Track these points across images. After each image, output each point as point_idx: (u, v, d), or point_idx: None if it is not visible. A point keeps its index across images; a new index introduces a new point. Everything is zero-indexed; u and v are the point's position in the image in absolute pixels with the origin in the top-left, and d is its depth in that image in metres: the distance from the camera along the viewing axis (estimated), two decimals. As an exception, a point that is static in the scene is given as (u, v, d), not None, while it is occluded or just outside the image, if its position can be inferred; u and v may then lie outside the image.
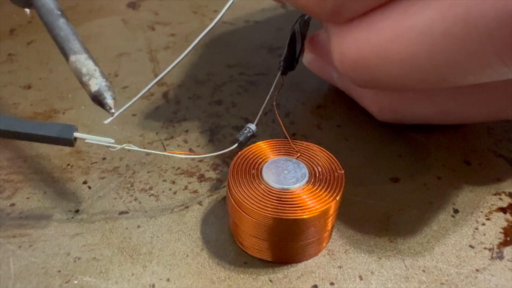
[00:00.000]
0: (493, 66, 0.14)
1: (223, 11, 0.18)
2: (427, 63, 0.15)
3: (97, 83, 0.18)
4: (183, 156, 0.18)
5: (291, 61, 0.23)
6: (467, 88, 0.20)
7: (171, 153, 0.20)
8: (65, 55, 0.19)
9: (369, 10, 0.16)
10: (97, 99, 0.18)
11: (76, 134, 0.17)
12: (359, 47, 0.16)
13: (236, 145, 0.20)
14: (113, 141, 0.18)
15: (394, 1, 0.15)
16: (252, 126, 0.21)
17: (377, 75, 0.17)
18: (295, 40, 0.23)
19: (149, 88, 0.19)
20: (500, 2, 0.12)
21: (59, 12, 0.19)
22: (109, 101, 0.18)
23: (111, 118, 0.18)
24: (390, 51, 0.15)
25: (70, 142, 0.17)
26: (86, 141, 0.17)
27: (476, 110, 0.20)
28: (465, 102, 0.20)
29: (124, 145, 0.18)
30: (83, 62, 0.18)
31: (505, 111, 0.20)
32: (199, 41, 0.18)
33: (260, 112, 0.22)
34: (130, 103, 0.18)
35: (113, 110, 0.18)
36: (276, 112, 0.22)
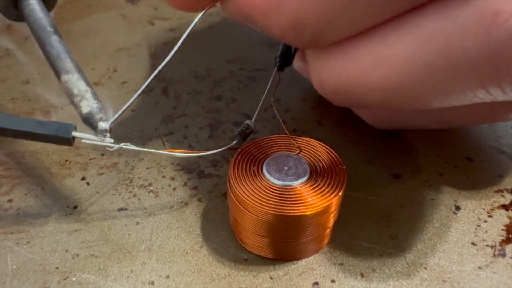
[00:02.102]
0: (477, 94, 0.14)
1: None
2: (409, 90, 0.15)
3: (88, 104, 0.17)
4: (181, 155, 0.18)
5: (287, 57, 0.23)
6: None
7: (169, 151, 0.19)
8: (57, 74, 0.18)
9: (347, 38, 0.15)
10: (88, 121, 0.17)
11: (74, 133, 0.17)
12: (338, 74, 0.16)
13: (234, 142, 0.20)
14: (112, 141, 0.17)
15: (370, 30, 0.15)
16: (251, 123, 0.21)
17: (358, 99, 0.16)
18: None
19: (143, 89, 0.18)
20: (480, 39, 0.12)
21: (52, 29, 0.19)
22: (100, 124, 0.17)
23: (108, 141, 0.17)
24: (370, 79, 0.15)
25: (68, 141, 0.17)
26: (82, 141, 0.17)
27: (472, 116, 0.20)
28: (461, 111, 0.20)
29: (122, 144, 0.17)
30: (74, 82, 0.18)
31: (501, 115, 0.19)
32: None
33: (258, 109, 0.21)
34: (126, 105, 0.18)
35: (105, 134, 0.17)
36: (274, 108, 0.22)
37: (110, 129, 0.17)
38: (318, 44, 0.16)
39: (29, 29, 0.20)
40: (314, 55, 0.17)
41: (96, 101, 0.17)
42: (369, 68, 0.15)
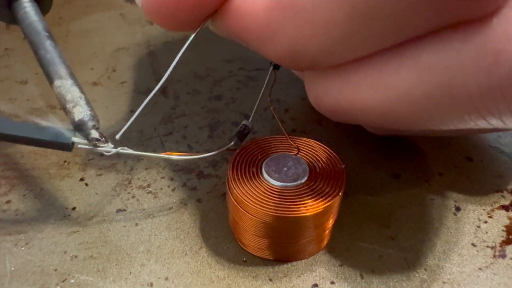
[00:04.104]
0: (477, 123, 0.14)
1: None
2: (406, 116, 0.14)
3: (81, 111, 0.17)
4: (178, 157, 0.18)
5: None
6: None
7: (167, 154, 0.19)
8: (49, 79, 0.18)
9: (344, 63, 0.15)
10: (80, 128, 0.17)
11: (74, 139, 0.17)
12: (335, 96, 0.16)
13: (232, 143, 0.20)
14: (112, 146, 0.17)
15: (369, 56, 0.14)
16: (248, 123, 0.20)
17: (356, 120, 0.16)
18: None
19: (150, 97, 0.18)
20: (481, 76, 0.12)
21: (46, 33, 0.19)
22: (92, 132, 0.17)
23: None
24: (368, 103, 0.15)
25: (68, 146, 0.17)
26: (79, 146, 0.17)
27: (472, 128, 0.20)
28: None
29: (119, 148, 0.17)
30: (68, 88, 0.17)
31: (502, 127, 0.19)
32: (197, 35, 0.18)
33: (255, 109, 0.21)
34: (131, 119, 0.18)
35: (96, 142, 0.17)
36: (271, 107, 0.22)
37: (104, 137, 0.17)
38: (315, 68, 0.16)
39: (23, 32, 0.19)
40: (311, 75, 0.17)
41: (89, 108, 0.17)
42: (366, 93, 0.15)
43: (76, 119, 0.17)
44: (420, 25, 0.12)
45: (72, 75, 0.18)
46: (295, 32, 0.14)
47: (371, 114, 0.15)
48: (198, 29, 0.17)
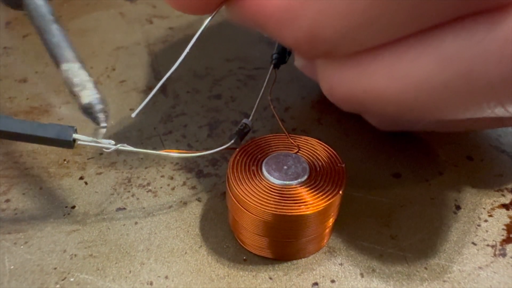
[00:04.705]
0: (495, 111, 0.13)
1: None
2: (423, 105, 0.14)
3: (89, 94, 0.17)
4: (178, 155, 0.18)
5: (283, 54, 0.23)
6: None
7: (167, 152, 0.19)
8: (56, 62, 0.18)
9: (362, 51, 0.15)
10: (88, 112, 0.17)
11: (75, 136, 0.17)
12: (350, 85, 0.16)
13: (232, 141, 0.20)
14: (113, 142, 0.17)
15: (388, 44, 0.14)
16: (248, 122, 0.20)
17: (370, 109, 0.16)
18: None
19: (153, 94, 0.18)
20: (503, 64, 0.12)
21: (52, 17, 0.19)
22: (100, 115, 0.17)
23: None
24: (384, 93, 0.15)
25: (69, 143, 0.17)
26: (79, 142, 0.17)
27: (480, 122, 0.20)
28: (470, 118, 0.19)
29: (119, 145, 0.17)
30: (75, 71, 0.17)
31: (510, 121, 0.19)
32: (196, 33, 0.18)
33: (255, 107, 0.21)
34: (139, 107, 0.17)
35: (104, 124, 0.17)
36: (271, 106, 0.22)
37: (107, 118, 0.17)
38: (331, 55, 0.15)
39: (29, 17, 0.19)
40: (325, 64, 0.16)
41: (97, 91, 0.17)
42: (383, 82, 0.14)
43: (84, 102, 0.17)
44: (445, 11, 0.12)
45: (79, 59, 0.18)
46: (316, 16, 0.14)
47: (386, 103, 0.15)
48: (214, 12, 0.17)
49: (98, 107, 0.17)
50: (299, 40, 0.15)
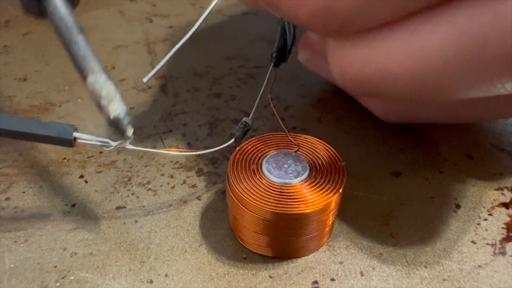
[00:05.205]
0: (506, 86, 0.13)
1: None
2: (436, 82, 0.14)
3: (117, 107, 0.17)
4: (178, 153, 0.18)
5: (283, 52, 0.23)
6: None
7: (166, 150, 0.19)
8: (83, 75, 0.18)
9: (375, 27, 0.15)
10: (116, 125, 0.17)
11: (75, 134, 0.17)
12: (362, 64, 0.15)
13: (232, 140, 0.20)
14: (113, 141, 0.17)
15: (403, 19, 0.14)
16: (248, 120, 0.20)
17: (381, 90, 0.16)
18: (286, 31, 0.23)
19: (166, 60, 0.18)
20: None
21: (78, 28, 0.19)
22: (128, 128, 0.17)
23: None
24: (397, 70, 0.15)
25: (69, 142, 0.17)
26: (79, 141, 0.17)
27: (487, 111, 0.19)
28: (477, 104, 0.19)
29: (119, 143, 0.17)
30: (102, 83, 0.17)
31: None
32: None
33: (255, 106, 0.21)
34: (158, 67, 0.17)
35: (130, 136, 0.17)
36: (271, 104, 0.22)
37: (134, 132, 0.17)
38: (344, 32, 0.15)
39: (53, 26, 0.19)
40: (337, 43, 0.16)
41: (124, 104, 0.17)
42: (397, 59, 0.14)
43: (112, 115, 0.16)
44: None
45: (105, 70, 0.18)
46: None
47: (399, 82, 0.15)
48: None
49: (127, 120, 0.17)
50: (312, 14, 0.15)
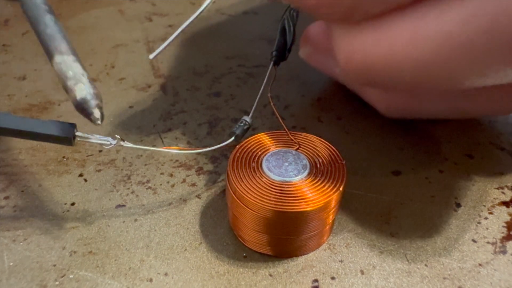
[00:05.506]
0: None
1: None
2: (442, 69, 0.14)
3: (83, 88, 0.16)
4: (178, 151, 0.18)
5: (283, 51, 0.23)
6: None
7: (166, 148, 0.19)
8: (49, 55, 0.16)
9: (382, 13, 0.15)
10: (82, 107, 0.16)
11: (75, 133, 0.17)
12: (369, 51, 0.15)
13: (232, 138, 0.20)
14: (113, 139, 0.17)
15: (411, 4, 0.14)
16: (248, 119, 0.20)
17: (386, 78, 0.16)
18: (285, 30, 0.23)
19: (175, 36, 0.18)
20: None
21: (46, 7, 0.18)
22: (95, 111, 0.15)
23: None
24: (403, 56, 0.14)
25: (69, 140, 0.17)
26: (78, 139, 0.17)
27: (491, 105, 0.19)
28: (480, 99, 0.19)
29: (118, 142, 0.17)
30: (69, 64, 0.16)
31: None
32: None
33: (255, 104, 0.21)
34: (169, 40, 0.17)
35: (99, 122, 0.16)
36: (271, 103, 0.22)
37: (103, 115, 0.16)
38: (351, 18, 0.15)
39: (21, 5, 0.18)
40: (343, 30, 0.16)
41: (92, 86, 0.16)
42: (404, 45, 0.14)
43: (78, 97, 0.16)
44: None
45: (74, 51, 0.17)
46: None
47: (405, 69, 0.15)
48: None
49: (93, 102, 0.16)
50: (321, 0, 0.14)
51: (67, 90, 0.16)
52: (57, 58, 0.16)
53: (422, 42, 0.14)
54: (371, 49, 0.15)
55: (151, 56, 0.16)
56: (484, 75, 0.14)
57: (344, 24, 0.16)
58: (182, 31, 0.18)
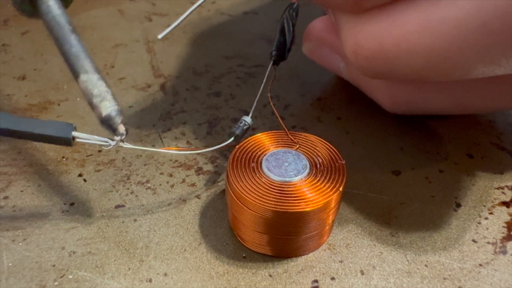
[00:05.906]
0: None
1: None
2: (456, 56, 0.14)
3: (109, 106, 0.17)
4: (177, 152, 0.18)
5: (282, 51, 0.23)
6: (489, 79, 0.18)
7: (165, 149, 0.19)
8: (75, 74, 0.18)
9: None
10: (107, 123, 0.17)
11: (74, 133, 0.17)
12: (379, 39, 0.15)
13: (232, 138, 0.20)
14: (112, 140, 0.17)
15: None
16: (248, 119, 0.20)
17: (396, 67, 0.16)
18: (285, 30, 0.23)
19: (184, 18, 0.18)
20: None
21: (70, 27, 0.19)
22: (120, 127, 0.17)
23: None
24: (415, 44, 0.14)
25: (68, 141, 0.17)
26: (78, 140, 0.17)
27: (492, 101, 0.19)
28: (485, 93, 0.19)
29: (118, 142, 0.17)
30: (95, 82, 0.17)
31: None
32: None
33: (255, 104, 0.21)
34: (178, 21, 0.17)
35: (124, 137, 0.17)
36: (271, 103, 0.22)
37: (127, 130, 0.17)
38: (361, 6, 0.15)
39: (46, 26, 0.19)
40: (353, 19, 0.16)
41: (116, 103, 0.17)
42: (416, 32, 0.14)
43: (104, 114, 0.17)
44: None
45: (98, 69, 0.18)
46: None
47: (415, 58, 0.14)
48: None
49: (118, 119, 0.17)
50: None
51: (92, 107, 0.17)
52: (83, 77, 0.17)
53: (435, 27, 0.14)
54: (382, 37, 0.15)
55: (160, 36, 0.17)
56: (496, 63, 0.14)
57: (353, 12, 0.16)
58: (195, 9, 0.18)
